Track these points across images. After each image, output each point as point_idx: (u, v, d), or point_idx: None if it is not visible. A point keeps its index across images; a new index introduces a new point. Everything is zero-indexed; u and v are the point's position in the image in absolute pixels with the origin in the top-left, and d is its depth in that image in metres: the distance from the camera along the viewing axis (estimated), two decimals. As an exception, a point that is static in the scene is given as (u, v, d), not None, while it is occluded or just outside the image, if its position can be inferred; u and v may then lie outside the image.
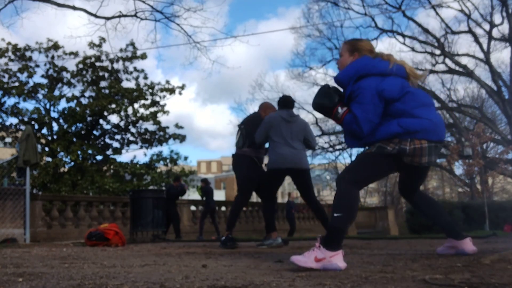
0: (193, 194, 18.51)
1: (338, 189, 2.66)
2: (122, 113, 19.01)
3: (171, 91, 19.73)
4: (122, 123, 19.62)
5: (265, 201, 5.18)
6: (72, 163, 17.84)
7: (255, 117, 5.46)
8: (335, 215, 2.55)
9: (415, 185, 3.10)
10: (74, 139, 18.38)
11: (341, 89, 2.91)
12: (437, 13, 24.64)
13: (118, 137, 20.08)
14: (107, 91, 18.93)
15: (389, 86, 2.71)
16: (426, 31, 25.38)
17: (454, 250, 3.05)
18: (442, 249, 3.17)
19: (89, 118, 18.75)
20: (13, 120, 21.03)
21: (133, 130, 19.96)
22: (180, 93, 19.91)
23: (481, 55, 24.73)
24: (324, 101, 2.87)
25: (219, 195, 14.23)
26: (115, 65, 19.46)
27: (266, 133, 4.96)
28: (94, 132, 19.66)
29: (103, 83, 19.40)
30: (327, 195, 40.69)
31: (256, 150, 5.32)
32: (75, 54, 18.87)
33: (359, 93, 2.71)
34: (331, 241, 2.49)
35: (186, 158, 20.44)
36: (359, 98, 2.70)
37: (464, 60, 25.81)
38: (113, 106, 18.28)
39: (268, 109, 5.49)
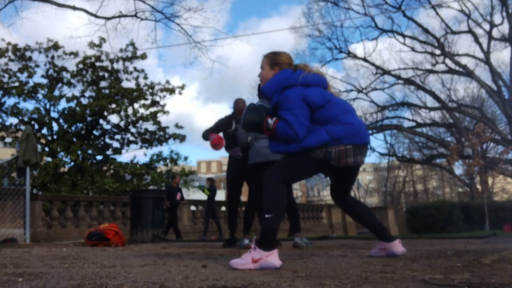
0: (193, 194, 18.52)
1: (266, 189, 2.78)
2: (122, 113, 19.00)
3: (171, 91, 19.73)
4: (122, 123, 19.62)
5: (248, 199, 5.18)
6: (72, 163, 17.83)
7: (227, 117, 5.53)
8: (266, 216, 2.69)
9: (344, 188, 3.24)
10: (74, 139, 18.37)
11: (267, 106, 3.03)
12: (437, 13, 24.68)
13: (118, 137, 20.08)
14: (107, 91, 18.92)
15: (312, 93, 2.90)
16: (426, 31, 25.41)
17: (385, 252, 3.18)
18: (374, 251, 3.31)
19: (89, 118, 18.74)
20: (13, 120, 21.02)
21: (133, 130, 19.96)
22: (180, 93, 19.91)
23: (481, 55, 24.76)
24: (253, 117, 2.98)
25: (219, 195, 14.29)
26: (115, 65, 19.45)
27: None
28: (94, 132, 19.65)
29: (103, 83, 19.39)
30: (327, 195, 40.65)
31: (232, 149, 5.33)
32: (75, 54, 18.86)
33: (286, 101, 2.87)
34: (265, 241, 2.62)
35: (186, 158, 20.45)
36: (287, 105, 2.86)
37: (464, 60, 25.84)
38: (113, 106, 18.27)
39: (237, 104, 5.49)
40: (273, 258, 2.55)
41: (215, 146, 5.05)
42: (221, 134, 5.37)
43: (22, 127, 17.65)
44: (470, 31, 24.58)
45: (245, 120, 3.02)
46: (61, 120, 18.92)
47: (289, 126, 2.80)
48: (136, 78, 19.77)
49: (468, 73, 24.66)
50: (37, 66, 18.79)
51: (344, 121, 2.86)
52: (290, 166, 2.88)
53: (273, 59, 3.12)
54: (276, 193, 2.75)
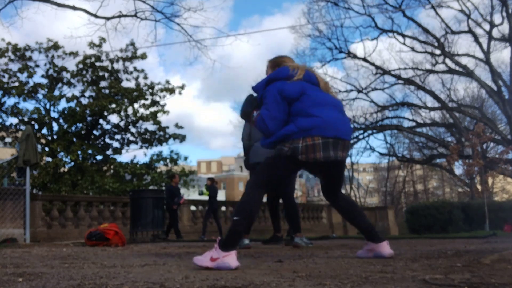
0: (193, 194, 18.50)
1: (244, 193, 2.90)
2: (122, 113, 19.02)
3: (171, 91, 19.75)
4: (122, 123, 19.63)
5: None
6: (72, 163, 17.84)
7: None
8: (234, 218, 2.79)
9: (333, 185, 3.27)
10: (74, 139, 18.37)
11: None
12: (437, 13, 24.64)
13: (118, 137, 20.10)
14: (107, 91, 18.93)
15: (288, 86, 3.02)
16: (426, 31, 25.37)
17: (372, 253, 3.17)
18: (361, 252, 3.29)
19: (89, 118, 18.75)
20: (13, 120, 21.06)
21: (133, 130, 19.97)
22: (180, 93, 19.94)
23: (481, 55, 24.72)
24: (245, 107, 3.22)
25: (219, 195, 14.39)
26: (115, 65, 19.46)
27: None
28: (94, 132, 19.66)
29: (103, 83, 19.40)
30: (327, 195, 40.59)
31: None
32: (75, 54, 18.86)
33: (265, 95, 3.04)
34: (226, 242, 2.67)
35: (186, 158, 20.48)
36: (265, 100, 3.03)
37: (464, 60, 25.80)
38: (113, 106, 18.28)
39: None
40: (230, 259, 2.58)
41: None
42: None
43: (22, 127, 17.65)
44: (470, 31, 24.55)
45: (241, 110, 3.27)
46: (61, 120, 18.93)
47: (262, 119, 2.98)
48: (136, 78, 19.80)
49: (468, 73, 24.64)
50: (37, 66, 18.82)
51: (313, 114, 2.95)
52: (266, 169, 2.99)
53: (275, 61, 3.35)
54: (251, 198, 2.85)
